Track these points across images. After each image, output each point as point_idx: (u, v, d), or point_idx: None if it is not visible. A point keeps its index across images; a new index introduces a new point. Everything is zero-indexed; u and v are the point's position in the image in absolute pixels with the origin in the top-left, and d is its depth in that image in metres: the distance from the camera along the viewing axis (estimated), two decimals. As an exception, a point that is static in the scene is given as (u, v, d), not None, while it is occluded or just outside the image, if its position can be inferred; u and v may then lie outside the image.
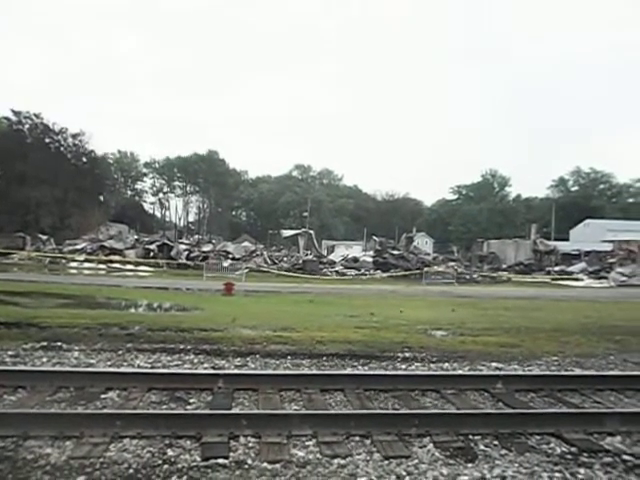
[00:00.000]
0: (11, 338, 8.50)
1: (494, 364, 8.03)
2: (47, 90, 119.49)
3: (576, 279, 37.30)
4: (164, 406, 5.26)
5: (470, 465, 4.08)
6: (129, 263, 34.84)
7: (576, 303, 19.98)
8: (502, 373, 7.02)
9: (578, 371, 7.68)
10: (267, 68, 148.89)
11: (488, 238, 57.64)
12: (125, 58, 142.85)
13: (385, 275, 35.26)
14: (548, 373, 7.30)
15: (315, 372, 6.81)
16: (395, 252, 40.02)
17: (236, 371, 6.77)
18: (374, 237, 51.73)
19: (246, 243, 50.13)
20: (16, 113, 49.80)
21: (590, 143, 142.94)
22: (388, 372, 7.10)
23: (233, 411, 5.05)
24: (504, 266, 43.81)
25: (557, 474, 3.96)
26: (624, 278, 36.03)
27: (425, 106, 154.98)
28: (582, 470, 4.04)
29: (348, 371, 7.17)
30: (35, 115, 50.86)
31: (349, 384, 5.99)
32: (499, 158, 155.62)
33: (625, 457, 4.29)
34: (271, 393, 5.66)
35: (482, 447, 4.43)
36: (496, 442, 4.53)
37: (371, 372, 7.06)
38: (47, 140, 51.64)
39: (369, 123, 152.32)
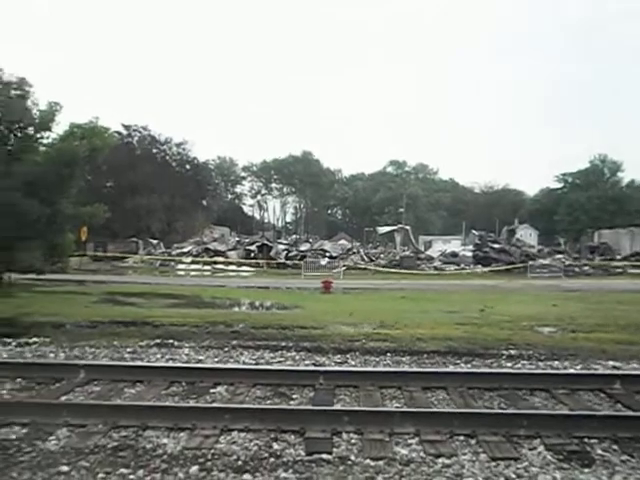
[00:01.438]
0: (128, 336, 9.18)
1: (610, 362, 7.49)
2: (149, 103, 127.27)
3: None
4: (269, 401, 5.44)
5: (586, 470, 3.83)
6: (232, 264, 36.33)
7: None
8: (620, 372, 6.53)
9: None
10: (354, 65, 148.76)
11: (599, 228, 53.77)
12: (212, 63, 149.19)
13: (486, 270, 34.02)
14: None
15: (416, 369, 6.72)
16: (496, 245, 38.46)
17: (337, 368, 6.85)
18: (473, 231, 50.13)
19: (342, 241, 50.49)
20: (126, 127, 53.60)
21: None
22: (493, 370, 6.85)
23: (335, 407, 5.11)
24: (618, 257, 40.61)
25: (688, 483, 3.62)
26: None
27: (521, 93, 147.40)
28: None
29: (450, 368, 7.00)
30: (143, 128, 54.51)
31: (452, 382, 5.85)
32: (610, 140, 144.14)
33: None
34: (372, 390, 5.66)
35: (599, 451, 4.15)
36: (615, 447, 4.22)
37: (475, 370, 6.84)
38: (154, 150, 55.12)
39: (462, 114, 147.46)
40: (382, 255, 41.41)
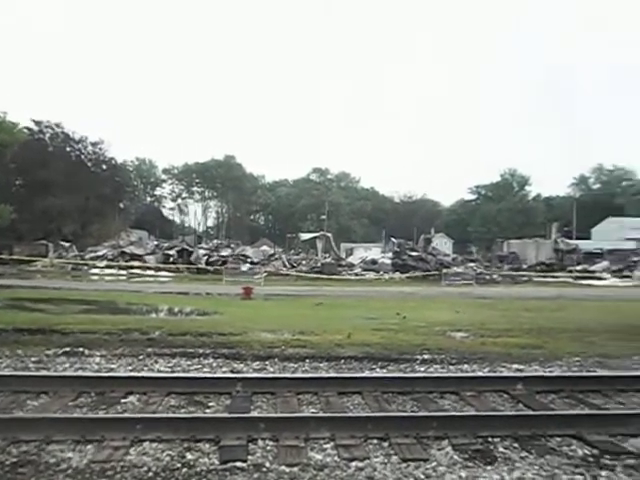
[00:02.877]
0: (35, 344, 8.66)
1: (515, 365, 7.94)
2: (64, 100, 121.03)
3: (599, 278, 36.71)
4: (183, 410, 5.31)
5: (489, 468, 4.04)
6: (149, 269, 35.21)
7: (599, 302, 19.66)
8: (522, 374, 6.94)
9: (601, 372, 7.55)
10: (277, 71, 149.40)
11: (508, 238, 57.00)
12: (140, 65, 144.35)
13: (404, 277, 35.10)
14: (570, 374, 7.20)
15: (333, 375, 6.81)
16: (414, 253, 39.81)
17: (254, 375, 6.80)
18: (392, 239, 51.57)
19: (264, 247, 50.38)
20: (37, 123, 50.73)
21: (611, 139, 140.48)
22: (406, 374, 7.07)
23: (251, 414, 5.08)
24: (525, 266, 43.26)
25: (578, 477, 3.91)
26: (649, 276, 35.39)
27: (440, 106, 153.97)
28: (604, 473, 3.98)
29: (366, 374, 7.15)
30: (55, 124, 51.77)
31: (367, 387, 5.98)
32: (518, 157, 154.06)
33: (649, 459, 4.21)
34: (289, 396, 5.68)
35: (501, 449, 4.39)
36: (516, 444, 4.48)
37: (389, 374, 7.03)
38: (68, 149, 52.50)
39: (384, 125, 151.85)
40: (304, 262, 41.68)
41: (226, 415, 4.98)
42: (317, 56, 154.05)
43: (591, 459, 4.22)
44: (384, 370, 7.55)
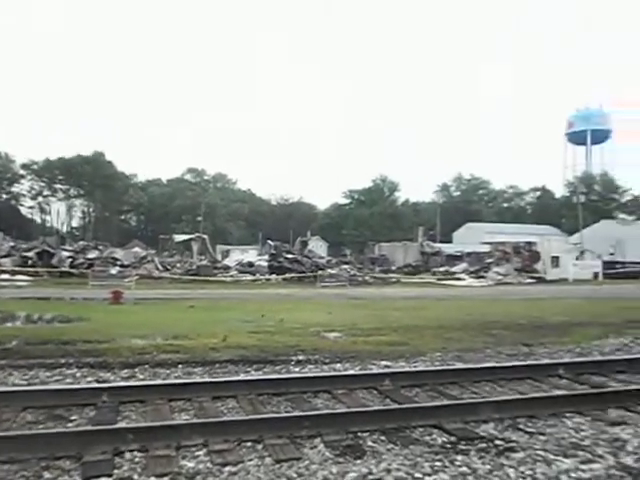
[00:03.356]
0: None
1: (383, 362, 8.36)
2: None
3: (458, 279, 39.79)
4: (41, 425, 4.91)
5: (358, 462, 4.21)
6: (4, 272, 32.03)
7: (458, 301, 21.32)
8: (389, 371, 7.32)
9: (458, 365, 8.20)
10: (160, 67, 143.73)
11: (379, 241, 59.90)
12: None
13: (280, 279, 35.40)
14: (431, 368, 7.73)
15: (206, 380, 6.68)
16: (290, 256, 40.30)
17: (122, 383, 6.47)
18: (269, 241, 51.78)
19: (136, 249, 48.00)
20: None
21: (472, 150, 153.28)
22: (280, 376, 7.14)
23: (117, 425, 4.82)
24: (394, 268, 45.72)
25: (437, 463, 4.21)
26: (500, 277, 39.10)
27: (316, 109, 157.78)
28: (460, 457, 4.33)
29: (241, 377, 7.12)
30: None
31: (241, 390, 5.96)
32: (389, 162, 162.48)
33: (497, 442, 4.65)
34: (160, 404, 5.48)
35: (370, 443, 4.60)
36: (383, 437, 4.72)
37: (263, 376, 7.06)
38: None
39: (261, 126, 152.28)
40: (179, 264, 40.45)
41: (89, 428, 4.69)
42: (192, 50, 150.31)
43: (449, 446, 4.57)
44: (260, 372, 7.56)
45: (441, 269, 44.40)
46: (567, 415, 5.42)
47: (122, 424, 4.93)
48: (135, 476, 3.86)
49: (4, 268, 32.92)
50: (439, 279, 39.49)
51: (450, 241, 69.96)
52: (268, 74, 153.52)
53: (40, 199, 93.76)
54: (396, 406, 5.61)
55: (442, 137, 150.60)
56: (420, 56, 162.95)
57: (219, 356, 8.38)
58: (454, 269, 44.11)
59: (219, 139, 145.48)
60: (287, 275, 36.11)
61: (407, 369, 7.73)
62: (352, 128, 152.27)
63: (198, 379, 6.88)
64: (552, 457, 4.37)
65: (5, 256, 35.53)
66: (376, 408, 5.51)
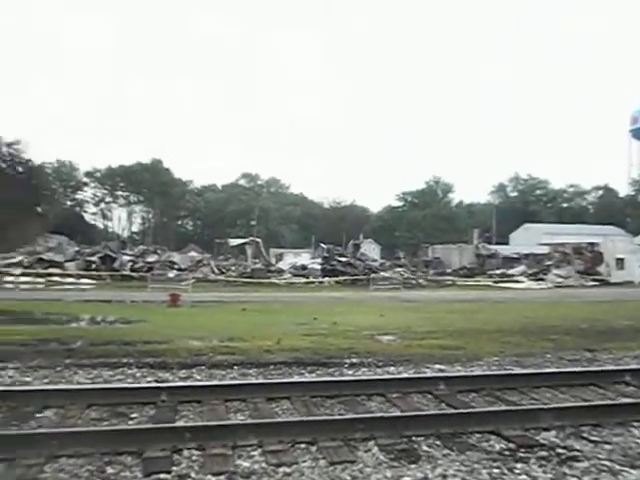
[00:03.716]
0: (-61, 358, 8.03)
1: (438, 366, 8.21)
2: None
3: (516, 281, 38.65)
4: (104, 422, 5.10)
5: (413, 466, 4.15)
6: (69, 276, 33.56)
7: (516, 305, 20.73)
8: (445, 374, 7.19)
9: (517, 370, 7.95)
10: (206, 75, 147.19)
11: (433, 243, 58.96)
12: (61, 60, 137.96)
13: (333, 282, 35.45)
14: (488, 373, 7.53)
15: (261, 381, 6.77)
16: (343, 259, 40.31)
17: (180, 383, 6.64)
18: (322, 244, 51.96)
19: (192, 253, 49.20)
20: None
21: (529, 149, 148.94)
22: (334, 378, 7.14)
23: (176, 424, 4.95)
24: (449, 270, 44.91)
25: (496, 470, 4.09)
26: (560, 279, 37.71)
27: (366, 112, 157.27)
28: (519, 465, 4.19)
29: (295, 379, 7.16)
30: (-34, 123, 48.57)
31: (295, 392, 5.99)
32: (443, 163, 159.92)
33: (559, 450, 4.48)
34: (216, 404, 5.59)
35: (425, 448, 4.53)
36: (438, 442, 4.63)
37: (317, 379, 7.07)
38: (-20, 149, 49.36)
39: (312, 131, 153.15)
40: (233, 267, 41.18)
41: (150, 426, 4.83)
42: (248, 61, 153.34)
43: (507, 453, 4.44)
44: (313, 374, 7.59)
45: (497, 272, 43.26)
46: (634, 424, 5.16)
47: (180, 423, 5.05)
48: (192, 474, 3.94)
49: (69, 272, 34.49)
50: (496, 282, 38.51)
51: (507, 243, 68.05)
52: (312, 76, 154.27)
53: (102, 205, 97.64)
54: (452, 411, 5.50)
55: (497, 136, 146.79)
56: (469, 51, 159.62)
57: (273, 358, 8.47)
58: (511, 271, 42.89)
59: (272, 143, 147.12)
60: (340, 278, 36.12)
61: (463, 373, 7.56)
62: (404, 130, 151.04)
63: (253, 380, 6.97)
64: (618, 467, 4.17)
65: (70, 260, 37.24)
66: (431, 412, 5.42)
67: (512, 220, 79.15)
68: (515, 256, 49.19)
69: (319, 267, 39.24)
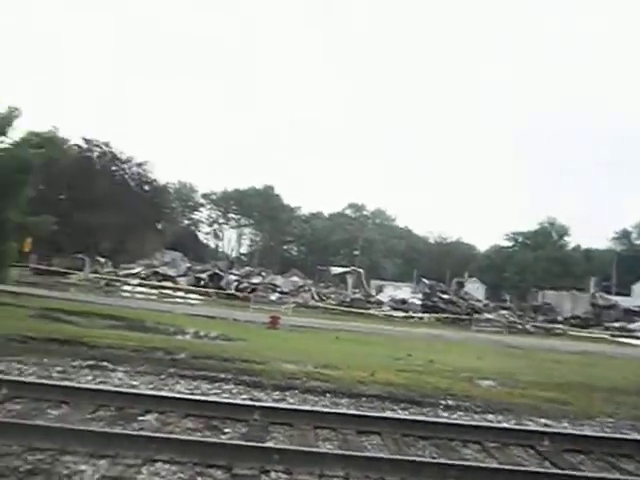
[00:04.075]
0: (61, 355, 8.79)
1: (542, 420, 7.63)
2: (114, 117, 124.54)
3: (638, 337, 35.29)
4: (199, 433, 5.26)
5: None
6: (180, 290, 35.61)
7: (636, 362, 18.87)
8: (550, 430, 6.65)
9: (635, 435, 7.17)
10: (320, 108, 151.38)
11: (543, 288, 55.64)
12: (189, 91, 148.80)
13: (433, 319, 34.52)
14: (601, 434, 6.85)
15: (352, 412, 6.66)
16: (445, 296, 39.23)
17: (273, 404, 6.71)
18: (424, 280, 50.96)
19: (295, 278, 50.33)
20: (87, 141, 52.65)
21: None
22: (428, 418, 6.86)
23: (266, 444, 4.99)
24: (559, 318, 42.03)
25: None
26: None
27: (479, 149, 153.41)
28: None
29: (387, 414, 6.97)
30: (104, 144, 53.62)
31: (387, 427, 5.83)
32: (558, 205, 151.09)
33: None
34: (306, 430, 5.57)
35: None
36: (539, 503, 4.27)
37: (410, 417, 6.84)
38: (114, 168, 54.14)
39: (421, 165, 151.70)
40: (333, 296, 41.52)
41: (241, 442, 4.91)
42: (361, 93, 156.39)
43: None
44: (406, 412, 7.35)
45: (616, 324, 39.76)
46: None
47: (270, 443, 5.08)
48: (278, 497, 3.93)
49: (180, 286, 36.61)
50: (613, 335, 35.39)
51: (628, 294, 62.52)
52: (429, 114, 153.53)
53: (215, 226, 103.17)
54: (557, 471, 5.06)
55: (620, 180, 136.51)
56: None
57: (366, 390, 8.33)
58: (632, 326, 39.22)
59: (378, 175, 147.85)
60: (440, 315, 35.11)
61: (571, 431, 6.94)
62: (516, 167, 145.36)
63: (344, 410, 6.88)
64: None
65: (182, 275, 39.59)
66: (533, 469, 5.02)
67: (636, 270, 72.74)
68: (638, 309, 45.03)
69: (419, 302, 38.48)
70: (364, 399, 7.82)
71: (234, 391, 7.57)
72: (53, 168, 35.08)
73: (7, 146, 15.57)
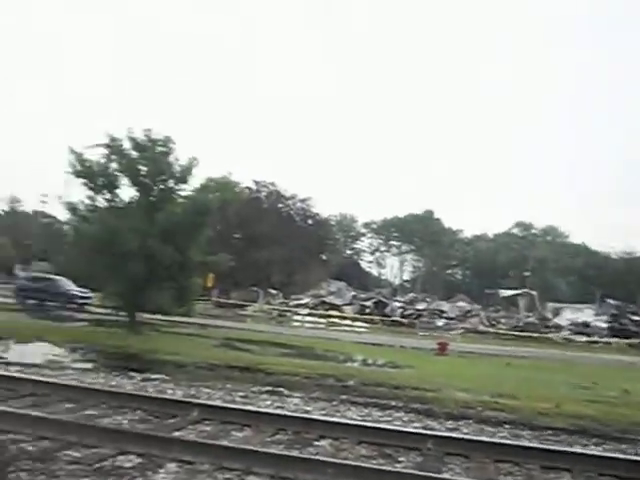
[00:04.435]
0: (242, 381, 9.45)
1: None
2: (276, 158, 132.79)
3: None
4: (373, 461, 5.21)
5: None
6: (346, 318, 36.42)
7: None
8: None
9: None
10: (474, 127, 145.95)
11: None
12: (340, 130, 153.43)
13: (624, 344, 30.79)
14: None
15: (536, 445, 6.12)
16: (636, 318, 34.87)
17: (447, 434, 6.44)
18: (609, 300, 45.88)
19: (461, 303, 48.57)
20: (256, 182, 57.24)
21: None
22: (629, 457, 6.04)
23: (443, 476, 4.77)
24: None
25: None
26: None
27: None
28: None
29: (577, 449, 6.29)
30: (270, 184, 57.83)
31: (579, 464, 5.24)
32: None
33: None
34: (485, 463, 5.23)
35: None
36: None
37: (606, 454, 6.08)
38: (279, 205, 58.01)
39: (590, 176, 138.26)
40: (503, 320, 39.26)
41: (417, 472, 4.75)
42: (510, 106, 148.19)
43: None
44: (599, 448, 6.56)
45: None
46: None
47: (446, 475, 4.85)
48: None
49: (346, 315, 37.44)
50: None
51: None
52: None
53: (377, 254, 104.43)
54: None
55: None
56: None
57: (550, 422, 7.65)
58: None
59: (544, 194, 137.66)
60: (633, 340, 31.22)
61: None
62: None
63: (527, 443, 6.35)
64: None
65: (348, 304, 40.52)
66: None
67: None
68: None
69: (605, 325, 34.68)
70: (549, 432, 7.18)
71: (405, 419, 7.45)
72: (228, 210, 38.77)
73: (189, 193, 17.47)
